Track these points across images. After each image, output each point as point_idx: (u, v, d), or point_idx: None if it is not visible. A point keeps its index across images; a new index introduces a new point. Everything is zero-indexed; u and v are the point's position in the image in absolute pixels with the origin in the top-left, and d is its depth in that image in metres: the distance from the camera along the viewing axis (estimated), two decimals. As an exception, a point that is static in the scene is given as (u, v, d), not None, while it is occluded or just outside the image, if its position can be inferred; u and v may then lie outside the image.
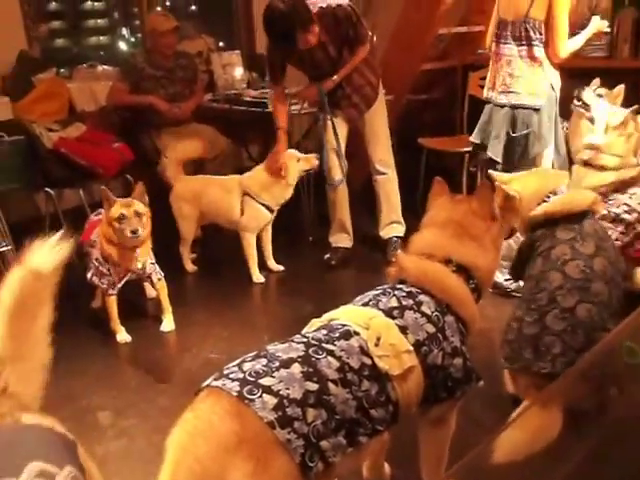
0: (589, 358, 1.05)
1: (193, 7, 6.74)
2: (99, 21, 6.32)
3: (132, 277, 2.93)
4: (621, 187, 2.77)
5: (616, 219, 2.71)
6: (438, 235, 1.74)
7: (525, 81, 2.97)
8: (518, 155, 3.03)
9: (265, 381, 1.28)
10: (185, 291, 3.38)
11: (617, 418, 1.00)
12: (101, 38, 6.37)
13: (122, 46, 6.35)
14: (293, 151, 3.55)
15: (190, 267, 3.74)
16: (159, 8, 6.20)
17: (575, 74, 3.87)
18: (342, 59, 3.40)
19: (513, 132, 3.03)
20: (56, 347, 2.90)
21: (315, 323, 1.57)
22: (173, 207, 3.63)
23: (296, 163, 3.46)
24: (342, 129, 3.58)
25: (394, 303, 1.58)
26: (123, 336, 2.95)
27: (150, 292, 3.28)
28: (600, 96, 2.95)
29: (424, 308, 1.59)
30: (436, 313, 1.60)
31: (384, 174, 3.63)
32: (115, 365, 2.81)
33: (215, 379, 1.32)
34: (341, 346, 1.42)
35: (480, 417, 2.31)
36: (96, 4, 6.46)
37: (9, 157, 3.77)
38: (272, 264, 3.65)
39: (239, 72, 5.07)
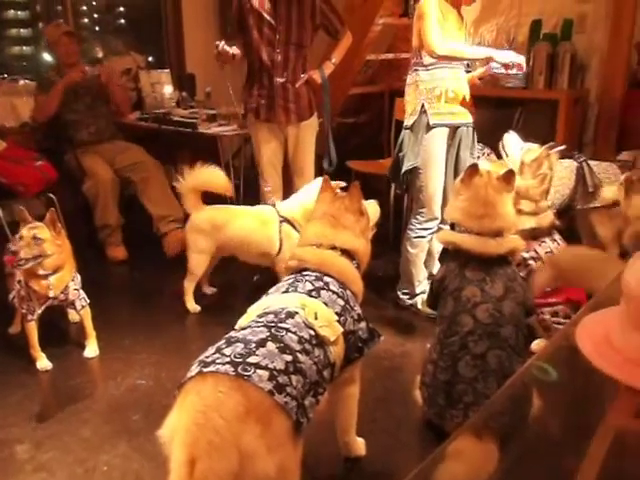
0: (508, 387, 1.10)
1: (122, 21, 6.63)
2: (22, 31, 6.13)
3: (54, 303, 2.83)
4: (536, 234, 2.78)
5: (522, 263, 2.72)
6: (320, 227, 2.07)
7: (408, 104, 3.12)
8: (400, 172, 3.14)
9: (252, 359, 1.49)
10: (110, 315, 3.29)
11: (538, 437, 1.05)
12: (24, 48, 6.18)
13: (46, 57, 6.18)
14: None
15: (192, 307, 3.39)
16: (86, 20, 6.10)
17: (495, 104, 4.09)
18: (306, 35, 3.44)
19: (398, 152, 3.18)
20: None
21: (251, 313, 1.79)
22: (188, 238, 3.31)
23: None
24: (272, 141, 3.60)
25: (309, 286, 1.87)
26: (44, 363, 2.84)
27: (73, 316, 3.17)
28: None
29: (332, 287, 1.91)
30: (340, 289, 1.93)
31: None
32: (35, 394, 2.69)
33: (203, 366, 1.47)
34: (291, 323, 1.68)
35: (406, 440, 2.37)
36: (19, 13, 6.26)
37: None
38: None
39: (168, 91, 5.02)
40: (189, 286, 3.39)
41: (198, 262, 3.32)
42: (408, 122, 3.10)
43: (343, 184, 2.97)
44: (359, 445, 2.20)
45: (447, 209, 2.53)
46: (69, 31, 4.26)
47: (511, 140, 3.04)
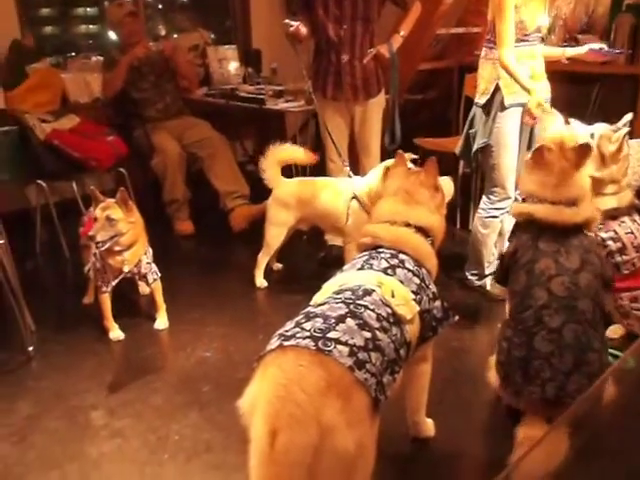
0: (603, 380, 1.05)
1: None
2: (88, 10, 6.25)
3: (128, 275, 2.89)
4: (616, 214, 2.67)
5: (600, 244, 2.59)
6: (394, 203, 2.03)
7: (482, 80, 3.00)
8: (471, 149, 3.06)
9: (332, 335, 1.49)
10: (178, 288, 3.34)
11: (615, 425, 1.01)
12: (90, 27, 6.31)
13: (112, 35, 6.29)
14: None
15: (260, 281, 3.41)
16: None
17: (571, 79, 3.91)
18: (373, 8, 3.36)
19: (469, 129, 3.08)
20: (46, 344, 2.92)
21: (327, 289, 1.77)
22: (269, 211, 3.32)
23: None
24: (338, 119, 3.57)
25: (385, 264, 1.85)
26: (116, 334, 2.92)
27: (144, 289, 3.25)
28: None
29: (407, 265, 1.88)
30: (416, 267, 1.90)
31: None
32: (107, 363, 2.77)
33: (284, 340, 1.48)
34: (369, 301, 1.66)
35: (475, 422, 2.33)
36: (86, -8, 6.39)
37: (1, 148, 3.72)
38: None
39: (234, 67, 5.04)
40: (263, 259, 3.41)
41: (276, 235, 3.34)
42: (480, 100, 3.00)
43: (415, 156, 2.91)
44: (428, 426, 2.17)
45: (521, 182, 2.44)
46: (132, 11, 4.29)
47: (576, 129, 2.89)
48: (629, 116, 2.79)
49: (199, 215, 4.32)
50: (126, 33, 4.24)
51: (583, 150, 2.23)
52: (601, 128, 2.78)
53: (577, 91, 3.88)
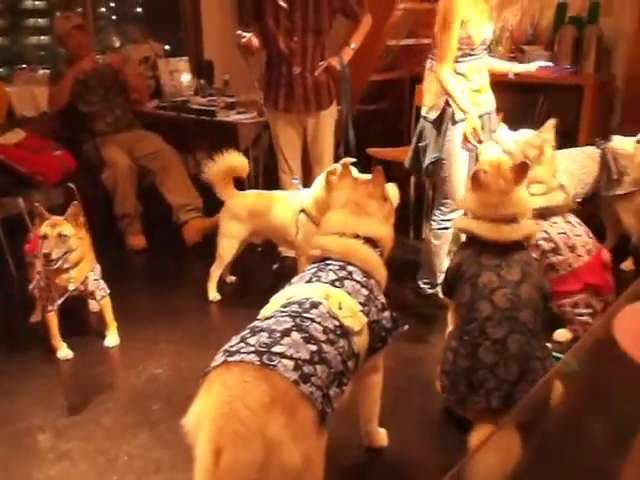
0: (544, 382, 1.07)
1: (139, 9, 6.62)
2: (39, 20, 6.14)
3: (74, 293, 2.82)
4: (546, 213, 2.72)
5: (532, 245, 2.63)
6: (342, 215, 2.04)
7: (429, 94, 3.03)
8: (422, 163, 3.09)
9: (277, 349, 1.49)
10: (130, 304, 3.27)
11: (575, 434, 1.02)
12: (41, 38, 6.20)
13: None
14: None
15: (213, 294, 3.38)
16: (104, 9, 6.09)
17: (517, 89, 4.00)
18: (324, 20, 3.37)
19: (418, 142, 3.10)
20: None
21: (275, 302, 1.77)
22: (221, 223, 3.29)
23: None
24: (290, 131, 3.57)
25: (333, 276, 1.85)
26: (64, 352, 2.84)
27: (93, 306, 3.17)
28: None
29: (355, 276, 1.89)
30: (364, 279, 1.91)
31: None
32: (56, 383, 2.70)
33: (228, 356, 1.48)
34: (316, 313, 1.66)
35: (428, 430, 2.34)
36: (37, 3, 6.28)
37: (-57, 164, 3.62)
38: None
39: (186, 79, 5.00)
40: (215, 272, 3.37)
41: (228, 247, 3.30)
42: (430, 115, 3.00)
43: (353, 160, 2.90)
44: (381, 435, 2.18)
45: (461, 199, 2.49)
46: (79, 24, 4.20)
47: (503, 135, 2.94)
48: (552, 121, 2.86)
49: (151, 229, 4.25)
50: (74, 46, 4.15)
51: (521, 168, 2.28)
52: (525, 134, 2.85)
53: (523, 101, 3.96)
